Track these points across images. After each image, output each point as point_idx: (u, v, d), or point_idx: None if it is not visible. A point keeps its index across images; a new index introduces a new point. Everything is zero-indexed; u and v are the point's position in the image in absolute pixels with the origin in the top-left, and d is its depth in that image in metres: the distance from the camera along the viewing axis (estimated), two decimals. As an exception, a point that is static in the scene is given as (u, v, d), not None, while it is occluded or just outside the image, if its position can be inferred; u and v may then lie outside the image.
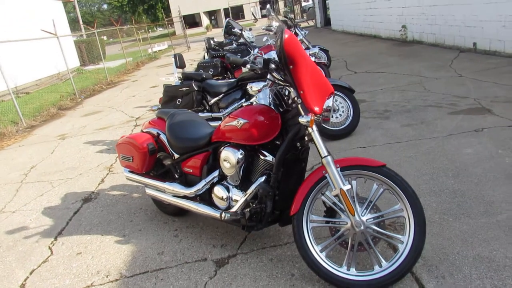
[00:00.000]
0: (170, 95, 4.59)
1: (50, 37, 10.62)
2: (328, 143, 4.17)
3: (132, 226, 3.16)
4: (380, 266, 2.05)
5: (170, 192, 2.81)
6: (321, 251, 2.13)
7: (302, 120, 2.03)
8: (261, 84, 4.27)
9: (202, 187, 2.61)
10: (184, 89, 4.51)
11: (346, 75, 7.47)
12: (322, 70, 5.98)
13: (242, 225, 2.39)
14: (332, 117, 4.23)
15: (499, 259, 2.10)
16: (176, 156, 2.84)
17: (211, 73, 5.58)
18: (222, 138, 2.46)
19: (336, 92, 4.25)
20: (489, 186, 2.81)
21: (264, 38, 5.44)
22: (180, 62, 4.82)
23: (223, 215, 2.38)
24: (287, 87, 2.17)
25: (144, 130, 3.08)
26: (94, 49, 18.44)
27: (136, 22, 29.33)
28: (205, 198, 2.64)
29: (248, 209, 2.34)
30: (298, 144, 2.25)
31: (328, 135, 4.23)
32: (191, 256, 2.63)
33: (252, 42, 5.40)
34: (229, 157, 2.38)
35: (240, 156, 2.35)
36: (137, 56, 19.08)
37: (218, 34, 19.53)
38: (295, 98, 2.11)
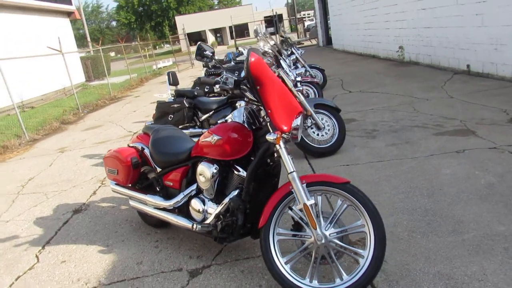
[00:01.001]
0: (162, 111, 4.75)
1: (56, 54, 10.92)
2: (313, 160, 4.28)
3: (116, 237, 3.27)
4: (341, 279, 2.13)
5: (151, 204, 2.92)
6: (286, 263, 2.22)
7: (269, 137, 2.15)
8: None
9: (181, 199, 2.73)
10: (175, 105, 4.67)
11: (340, 94, 7.62)
12: (314, 89, 6.16)
13: (214, 237, 2.50)
14: (318, 135, 4.36)
15: (458, 276, 2.18)
16: (159, 169, 2.96)
17: (206, 90, 5.75)
18: (200, 153, 2.59)
19: (322, 111, 4.39)
20: (461, 206, 2.89)
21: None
22: (173, 80, 4.99)
23: (194, 226, 2.49)
24: (260, 106, 2.30)
25: (130, 145, 3.22)
26: (100, 65, 18.83)
27: (143, 39, 29.92)
28: (183, 210, 2.75)
29: (220, 222, 2.45)
30: (269, 160, 2.37)
31: (313, 152, 4.34)
32: (167, 266, 2.73)
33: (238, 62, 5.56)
34: (204, 172, 2.49)
35: (215, 171, 2.47)
36: (141, 72, 19.43)
37: (223, 51, 19.86)
38: (265, 117, 2.24)
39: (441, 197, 3.07)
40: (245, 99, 2.39)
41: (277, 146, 2.20)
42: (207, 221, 2.50)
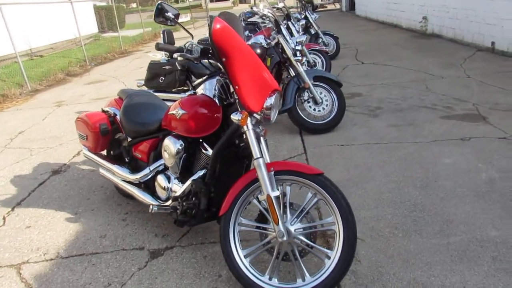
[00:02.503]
0: (154, 72, 4.49)
1: (65, 2, 10.59)
2: (307, 137, 4.02)
3: (87, 205, 3.12)
4: (303, 279, 1.93)
5: (118, 175, 2.73)
6: (245, 256, 2.02)
7: (234, 117, 1.90)
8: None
9: (146, 174, 2.53)
10: (167, 67, 4.40)
11: (352, 65, 7.19)
12: (323, 58, 5.77)
13: (174, 220, 2.31)
14: (315, 110, 4.06)
15: (435, 286, 1.95)
16: (129, 139, 2.75)
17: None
18: (168, 127, 2.35)
19: (322, 84, 4.06)
20: (454, 203, 2.63)
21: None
22: (168, 39, 4.68)
23: (151, 207, 2.29)
24: (227, 81, 2.04)
25: (104, 109, 3.00)
26: (114, 16, 18.38)
27: (162, -8, 29.05)
28: (150, 186, 2.56)
29: (181, 204, 2.24)
30: (238, 141, 2.13)
31: (308, 128, 4.07)
32: (130, 243, 2.57)
33: None
34: (169, 147, 2.27)
35: (179, 147, 2.24)
36: (156, 26, 18.92)
37: (244, 10, 19.14)
38: (233, 93, 1.97)
39: (435, 190, 2.80)
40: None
41: (244, 127, 1.94)
42: (168, 202, 2.31)
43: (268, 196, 1.86)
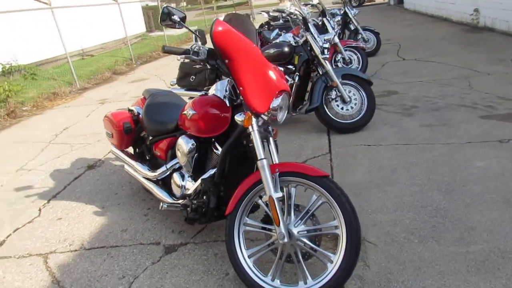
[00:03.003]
0: (185, 72, 4.58)
1: (114, 4, 11.08)
2: (333, 136, 3.94)
3: (114, 199, 3.27)
4: (305, 282, 1.91)
5: (139, 172, 2.84)
6: (249, 256, 2.03)
7: (238, 118, 1.91)
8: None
9: (163, 172, 2.61)
10: (197, 66, 4.47)
11: (392, 62, 6.95)
12: (359, 55, 5.62)
13: (185, 217, 2.36)
14: (343, 109, 3.98)
15: (445, 296, 1.86)
16: (151, 137, 2.84)
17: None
18: (182, 126, 2.41)
19: (351, 83, 3.97)
20: (479, 210, 2.48)
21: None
22: (201, 39, 4.75)
23: (161, 204, 2.36)
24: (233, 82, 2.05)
25: (130, 108, 3.11)
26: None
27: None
28: (167, 183, 2.63)
29: (191, 202, 2.30)
30: (245, 141, 2.14)
31: (335, 128, 3.99)
32: (148, 238, 2.67)
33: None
34: (182, 146, 2.32)
35: (191, 147, 2.29)
36: (201, 25, 19.31)
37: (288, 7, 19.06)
38: (239, 94, 1.98)
39: (461, 195, 2.66)
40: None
41: (249, 128, 1.95)
42: (181, 200, 2.37)
43: (270, 197, 1.86)
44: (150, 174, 2.70)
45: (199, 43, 2.23)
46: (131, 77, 9.34)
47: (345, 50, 5.85)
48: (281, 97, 1.97)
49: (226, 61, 1.86)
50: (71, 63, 8.64)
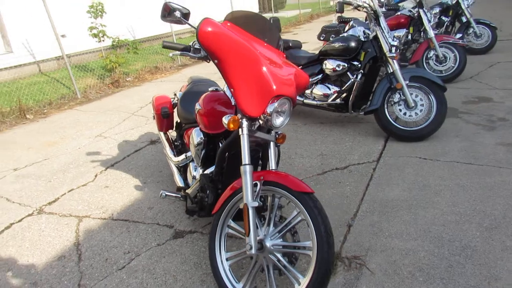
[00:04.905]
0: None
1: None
2: (391, 144, 3.61)
3: (157, 176, 3.49)
4: (272, 298, 1.84)
5: (167, 156, 2.97)
6: (227, 259, 2.02)
7: (223, 120, 1.87)
8: (339, 62, 3.91)
9: (183, 159, 2.70)
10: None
11: (504, 63, 6.00)
12: (456, 52, 4.98)
13: (185, 208, 2.42)
14: (405, 114, 3.60)
15: None
16: (183, 124, 2.95)
17: (332, 38, 5.23)
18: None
19: (420, 86, 3.55)
20: (519, 257, 2.07)
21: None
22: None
23: (160, 192, 2.44)
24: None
25: (175, 92, 3.25)
26: (276, -4, 19.07)
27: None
28: (185, 171, 2.72)
29: (192, 195, 2.34)
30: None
31: (394, 134, 3.64)
32: (165, 219, 2.81)
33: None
34: (192, 138, 2.37)
35: (199, 140, 2.32)
36: (315, 8, 18.97)
37: None
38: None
39: (503, 236, 2.24)
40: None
41: (239, 130, 1.90)
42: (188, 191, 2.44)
43: (245, 205, 1.80)
44: (174, 159, 2.81)
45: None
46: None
47: (441, 47, 5.24)
48: (277, 102, 1.86)
49: (216, 61, 1.82)
50: (175, 38, 9.24)
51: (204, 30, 1.75)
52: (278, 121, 1.93)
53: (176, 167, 2.83)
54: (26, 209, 3.14)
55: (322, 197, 2.84)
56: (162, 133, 3.28)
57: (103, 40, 7.67)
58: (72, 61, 8.20)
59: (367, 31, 3.79)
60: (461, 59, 5.23)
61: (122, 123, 5.18)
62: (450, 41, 5.25)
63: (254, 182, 1.86)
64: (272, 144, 2.06)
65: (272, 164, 2.04)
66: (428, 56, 5.34)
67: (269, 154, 2.05)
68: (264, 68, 1.85)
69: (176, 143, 3.04)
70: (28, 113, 5.98)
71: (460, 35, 6.61)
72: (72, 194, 3.35)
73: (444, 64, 5.29)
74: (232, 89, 1.84)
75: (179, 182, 2.66)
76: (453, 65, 5.27)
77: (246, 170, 1.84)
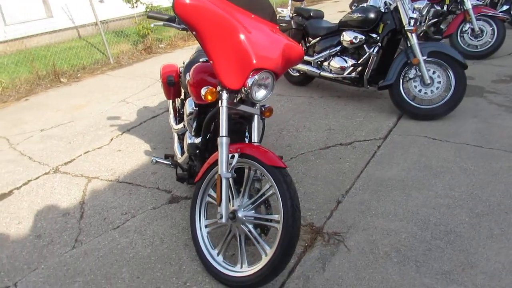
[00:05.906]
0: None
1: None
2: (403, 121, 3.50)
3: (166, 143, 3.61)
4: (241, 267, 1.92)
5: (170, 124, 3.06)
6: (206, 226, 2.11)
7: (201, 92, 1.90)
8: (356, 34, 3.79)
9: (181, 128, 2.77)
10: (283, 25, 4.36)
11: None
12: (495, 26, 4.65)
13: (176, 175, 2.50)
14: (421, 91, 3.46)
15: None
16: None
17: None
18: (189, 89, 2.49)
19: (439, 61, 3.38)
20: (500, 247, 2.00)
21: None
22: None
23: (152, 159, 2.54)
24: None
25: (186, 61, 3.29)
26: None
27: None
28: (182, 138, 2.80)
29: (184, 163, 2.42)
30: (233, 115, 2.12)
31: (407, 112, 3.52)
32: (166, 185, 2.93)
33: None
34: (186, 107, 2.43)
35: (191, 110, 2.38)
36: None
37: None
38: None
39: (492, 223, 2.17)
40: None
41: (219, 102, 1.93)
42: (175, 158, 2.52)
43: (219, 175, 1.86)
44: (174, 127, 2.90)
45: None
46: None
47: (478, 20, 4.91)
48: (258, 75, 1.86)
49: (194, 32, 1.83)
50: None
51: (180, 1, 1.76)
52: (259, 94, 1.93)
53: (177, 135, 2.92)
54: (44, 168, 3.37)
55: (319, 172, 2.84)
56: (170, 101, 3.36)
57: (136, 6, 7.79)
58: (109, 27, 8.41)
59: (388, 1, 3.62)
60: (499, 34, 4.88)
61: (146, 90, 5.33)
62: (489, 14, 4.89)
63: (231, 154, 1.90)
64: (256, 117, 2.07)
65: (254, 137, 2.06)
66: (463, 29, 5.02)
67: (252, 128, 2.07)
68: (244, 40, 1.84)
69: (180, 112, 3.12)
70: (63, 77, 6.28)
71: (508, 7, 6.14)
72: (87, 156, 3.55)
73: (480, 38, 4.96)
74: (211, 61, 1.86)
75: (176, 149, 2.75)
76: (490, 40, 4.93)
77: (223, 142, 1.88)
